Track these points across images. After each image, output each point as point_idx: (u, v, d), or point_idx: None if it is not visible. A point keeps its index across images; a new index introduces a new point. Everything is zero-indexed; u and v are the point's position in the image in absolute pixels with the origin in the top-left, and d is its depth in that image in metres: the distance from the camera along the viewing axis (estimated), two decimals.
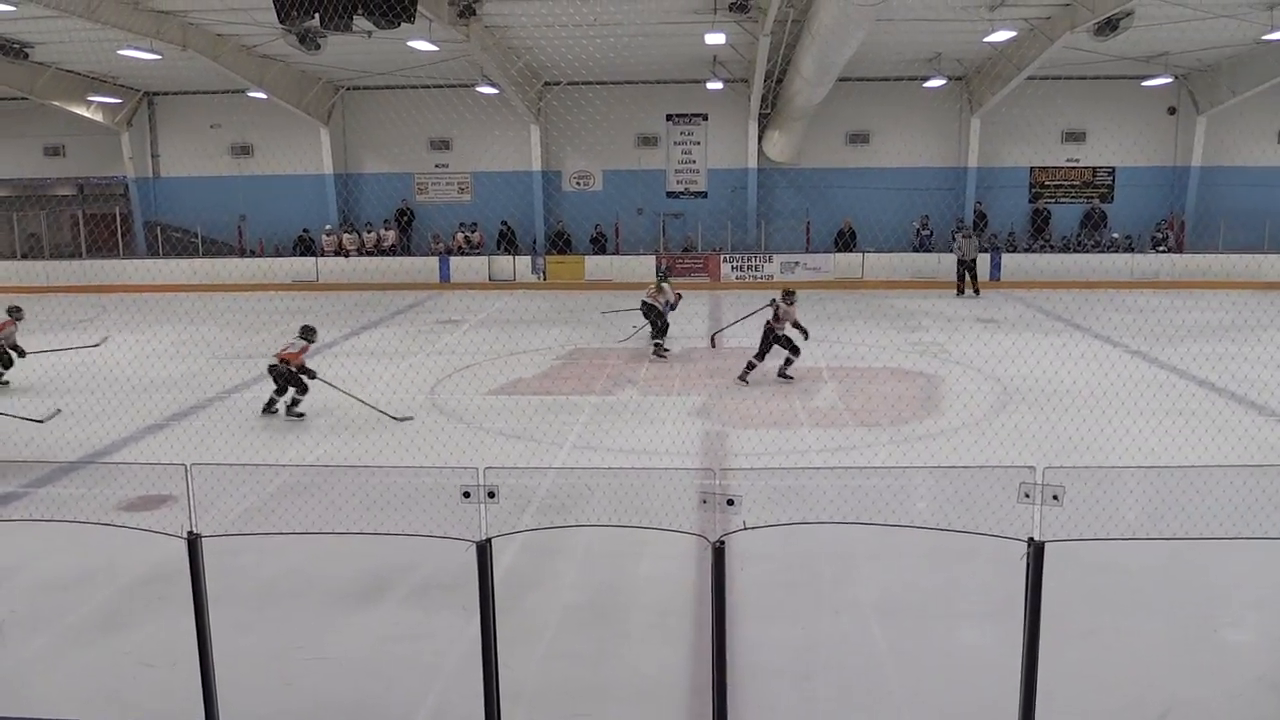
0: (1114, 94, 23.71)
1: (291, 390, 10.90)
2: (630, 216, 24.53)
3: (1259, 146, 23.85)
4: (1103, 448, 8.96)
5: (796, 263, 23.02)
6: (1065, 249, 23.56)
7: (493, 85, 21.64)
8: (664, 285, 14.07)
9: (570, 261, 23.37)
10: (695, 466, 8.30)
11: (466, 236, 24.68)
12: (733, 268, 23.20)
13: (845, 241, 23.02)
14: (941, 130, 24.16)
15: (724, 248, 24.11)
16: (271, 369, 10.98)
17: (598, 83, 21.51)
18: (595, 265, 23.39)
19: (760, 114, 23.53)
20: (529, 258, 23.52)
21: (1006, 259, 22.97)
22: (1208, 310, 16.95)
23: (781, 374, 12.22)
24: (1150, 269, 22.70)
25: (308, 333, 11.32)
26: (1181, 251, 23.28)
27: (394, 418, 10.20)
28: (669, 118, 24.68)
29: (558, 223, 24.45)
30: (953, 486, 4.99)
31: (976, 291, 21.17)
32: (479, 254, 23.91)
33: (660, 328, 13.87)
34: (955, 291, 21.32)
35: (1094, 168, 24.71)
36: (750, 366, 12.13)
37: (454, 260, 23.75)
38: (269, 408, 10.96)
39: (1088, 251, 23.39)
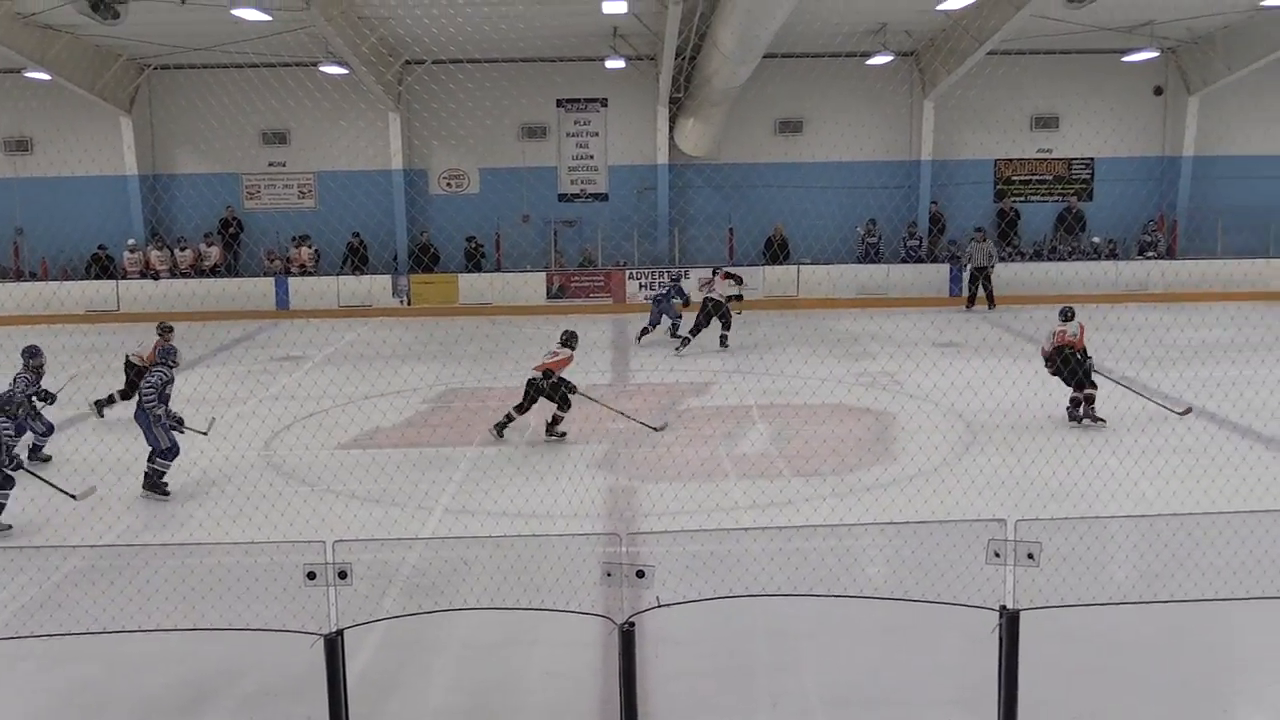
0: (1091, 72, 24.18)
1: (553, 408, 11.67)
2: (514, 225, 24.64)
3: (1260, 132, 24.44)
4: (1085, 494, 9.13)
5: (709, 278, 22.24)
6: (1037, 256, 23.96)
7: (341, 65, 21.55)
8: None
9: (440, 281, 23.43)
10: (598, 532, 8.33)
11: (311, 252, 24.54)
12: (641, 285, 23.25)
13: (776, 252, 23.24)
14: (889, 116, 24.46)
15: (629, 261, 24.27)
16: (531, 384, 11.75)
17: (471, 61, 20.93)
18: (471, 286, 23.44)
19: (671, 98, 23.79)
20: (388, 277, 23.53)
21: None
22: (1205, 327, 17.14)
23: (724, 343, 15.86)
24: (1137, 279, 23.03)
25: (570, 339, 12.19)
26: (1173, 257, 23.71)
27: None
28: (560, 103, 24.82)
29: (423, 234, 24.32)
30: (909, 546, 4.98)
31: (991, 304, 21.84)
32: (325, 274, 23.81)
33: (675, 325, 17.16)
34: (964, 304, 22.04)
35: (1069, 159, 25.14)
36: (685, 341, 15.21)
37: (293, 282, 23.66)
38: (500, 429, 11.83)
39: (1063, 259, 23.74)
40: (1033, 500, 9.00)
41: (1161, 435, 10.73)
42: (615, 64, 22.81)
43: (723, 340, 17.56)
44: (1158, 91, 24.76)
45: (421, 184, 24.77)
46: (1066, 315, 12.63)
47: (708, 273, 18.81)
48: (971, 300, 22.08)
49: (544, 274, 23.43)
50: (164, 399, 10.14)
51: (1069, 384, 12.17)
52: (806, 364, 15.23)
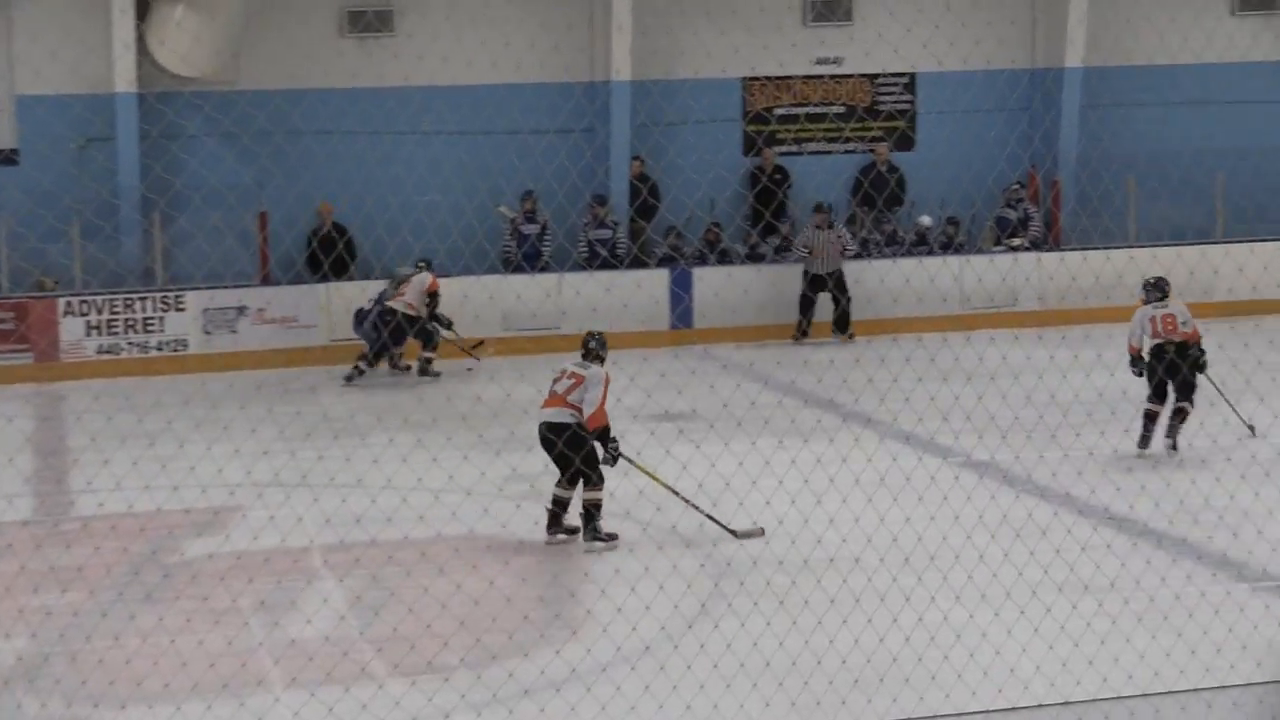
0: None
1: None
2: None
3: (1187, 28, 24.18)
4: (917, 685, 9.01)
5: (236, 309, 23.13)
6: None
7: None
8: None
9: None
10: None
11: None
12: (90, 328, 22.73)
13: (341, 258, 22.82)
14: (554, 11, 23.90)
15: (65, 280, 23.12)
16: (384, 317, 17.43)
17: None
18: None
19: None
20: None
21: (698, 276, 23.55)
22: (1107, 369, 16.34)
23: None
24: (995, 285, 23.27)
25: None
26: (1056, 245, 24.60)
27: None
28: None
29: None
30: None
31: (845, 330, 23.08)
32: None
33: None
34: (793, 335, 23.24)
35: (872, 77, 25.31)
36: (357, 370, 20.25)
37: None
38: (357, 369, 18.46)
39: (866, 256, 24.04)
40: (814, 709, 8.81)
41: (1054, 562, 10.62)
42: None
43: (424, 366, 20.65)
44: None
45: None
46: (1161, 290, 14.85)
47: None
48: (805, 327, 23.04)
49: None
50: None
51: (1162, 392, 14.41)
52: (410, 461, 13.95)
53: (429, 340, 20.78)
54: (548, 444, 12.61)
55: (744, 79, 24.72)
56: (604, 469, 13.03)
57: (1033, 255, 23.75)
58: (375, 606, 11.72)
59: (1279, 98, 25.50)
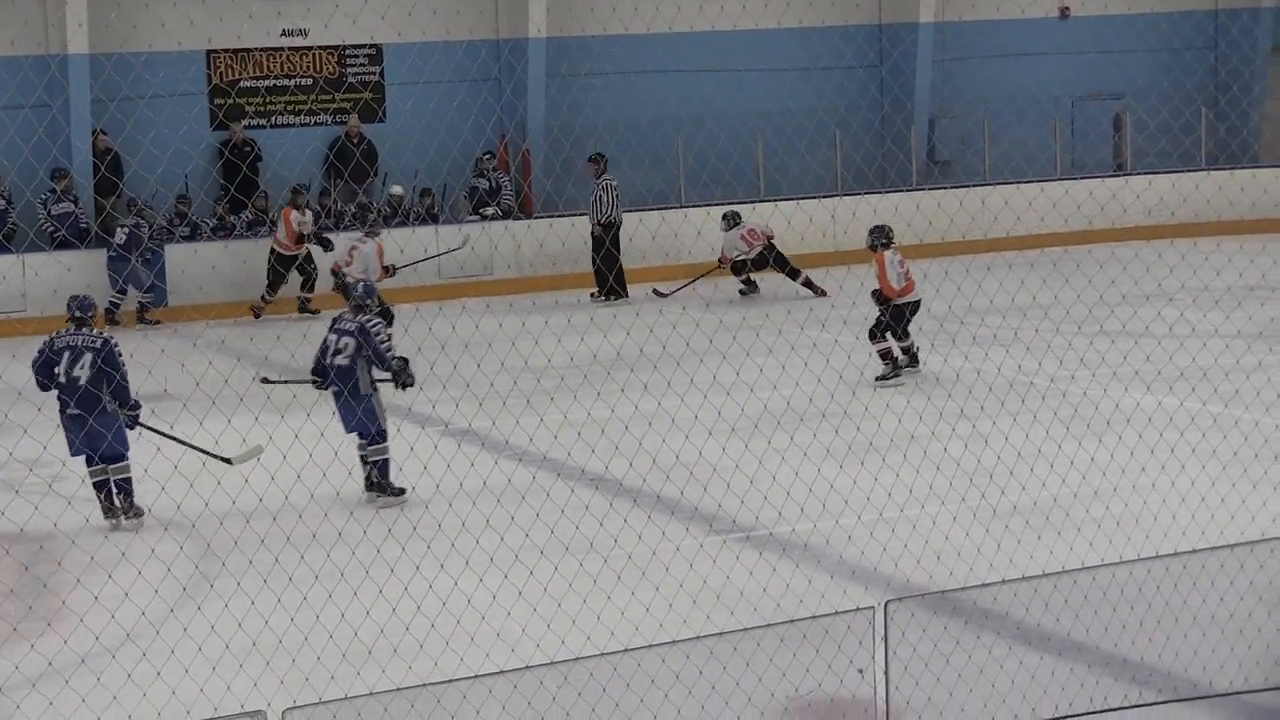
0: None
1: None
2: None
3: None
4: (406, 655, 9.02)
5: None
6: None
7: None
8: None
9: None
10: None
11: None
12: None
13: None
14: None
15: None
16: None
17: None
18: None
19: None
20: None
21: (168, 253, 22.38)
22: (577, 334, 16.01)
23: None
24: (466, 255, 23.02)
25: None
26: (528, 214, 24.43)
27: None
28: None
29: None
30: None
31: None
32: None
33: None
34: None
35: (339, 49, 25.01)
36: None
37: None
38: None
39: (337, 229, 22.91)
40: None
41: None
42: None
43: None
44: None
45: None
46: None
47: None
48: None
49: None
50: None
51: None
52: None
53: None
54: None
55: (208, 52, 24.32)
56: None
57: (503, 223, 24.05)
58: None
59: (726, 66, 26.22)
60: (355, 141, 24.67)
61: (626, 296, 21.88)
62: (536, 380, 15.21)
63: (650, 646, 7.20)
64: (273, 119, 25.38)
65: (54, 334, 12.04)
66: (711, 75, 26.20)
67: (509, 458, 13.55)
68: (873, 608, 6.82)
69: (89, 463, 12.07)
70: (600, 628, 8.90)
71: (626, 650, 7.24)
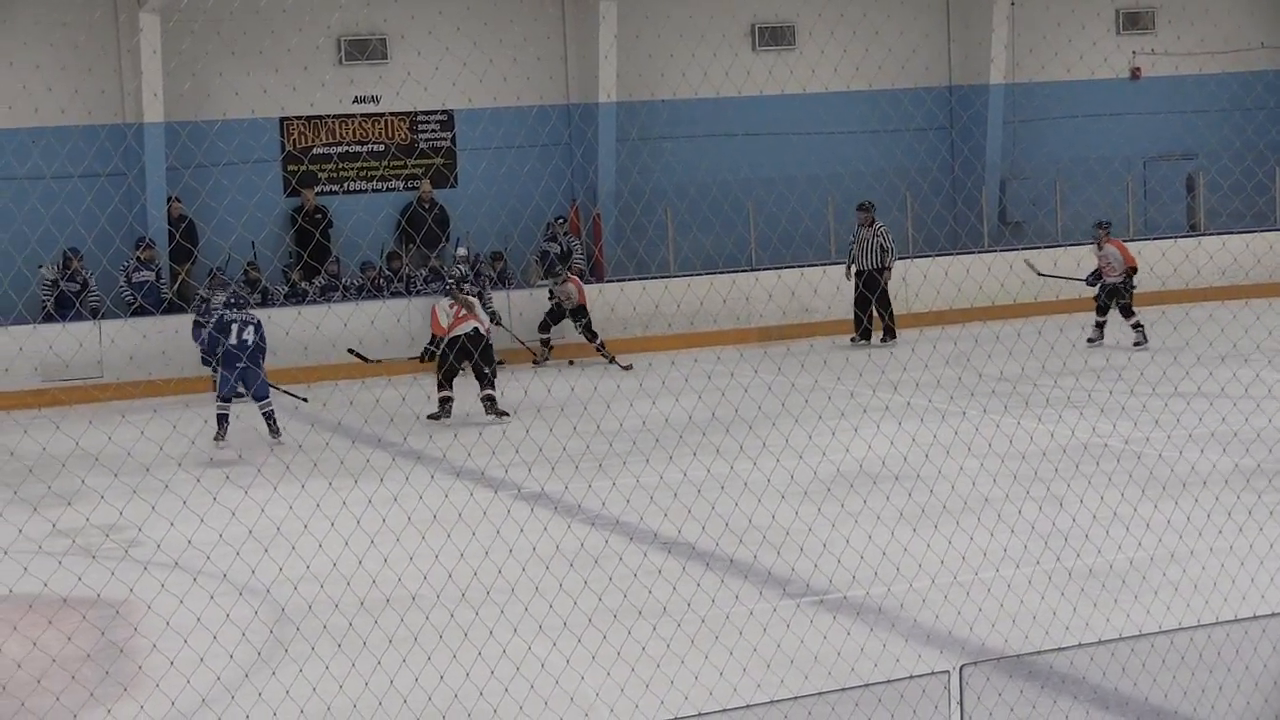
0: None
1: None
2: None
3: (707, 63, 23.41)
4: None
5: None
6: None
7: None
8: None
9: None
10: None
11: None
12: None
13: None
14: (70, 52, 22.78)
15: None
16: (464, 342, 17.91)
17: None
18: None
19: None
20: None
21: None
22: (649, 397, 15.83)
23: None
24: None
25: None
26: (599, 277, 24.47)
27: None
28: None
29: None
30: None
31: (891, 333, 23.63)
32: None
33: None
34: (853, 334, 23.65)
35: (410, 115, 25.12)
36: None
37: None
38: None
39: (416, 293, 22.76)
40: None
41: None
42: None
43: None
44: None
45: None
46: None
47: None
48: (863, 328, 23.40)
49: None
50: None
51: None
52: None
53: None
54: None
55: (281, 119, 24.38)
56: None
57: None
58: None
59: (795, 129, 26.18)
60: (427, 207, 24.69)
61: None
62: (609, 444, 15.13)
63: (724, 711, 7.14)
64: (345, 185, 25.39)
65: (218, 312, 17.72)
66: (781, 139, 26.18)
67: (582, 521, 13.39)
68: (948, 672, 6.77)
69: (228, 400, 16.79)
70: (674, 692, 8.81)
71: (700, 715, 7.18)
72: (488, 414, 17.76)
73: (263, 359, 17.24)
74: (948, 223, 25.28)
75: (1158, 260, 20.90)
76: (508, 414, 17.70)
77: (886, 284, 23.41)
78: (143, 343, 21.38)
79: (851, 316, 22.75)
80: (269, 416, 16.63)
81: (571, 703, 8.71)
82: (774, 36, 26.21)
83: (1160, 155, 28.32)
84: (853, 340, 23.34)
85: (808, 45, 25.26)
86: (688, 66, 23.98)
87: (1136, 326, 20.98)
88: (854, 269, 23.52)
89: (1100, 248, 21.73)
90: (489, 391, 17.99)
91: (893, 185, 24.18)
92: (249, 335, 16.71)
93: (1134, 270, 21.16)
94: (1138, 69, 28.27)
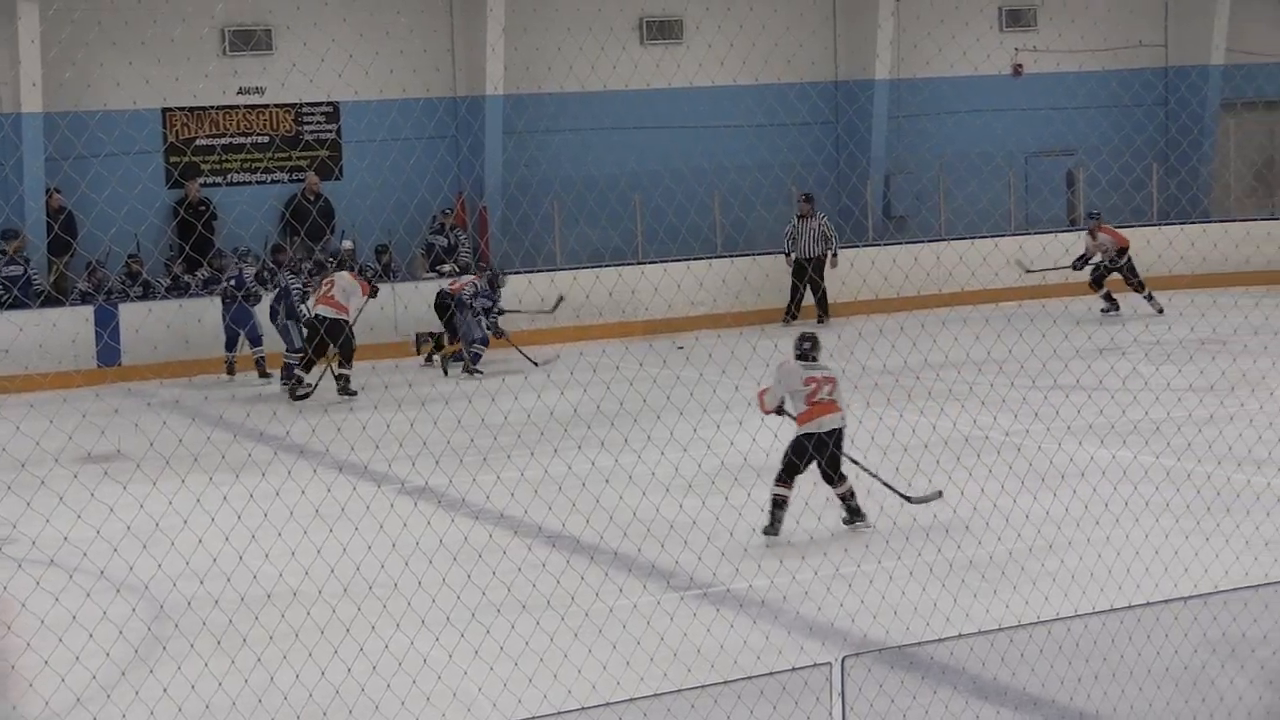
0: None
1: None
2: None
3: (595, 56, 23.89)
4: (361, 716, 9.00)
5: None
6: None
7: None
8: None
9: None
10: None
11: None
12: None
13: None
14: None
15: None
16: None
17: None
18: None
19: None
20: None
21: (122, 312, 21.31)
22: (534, 391, 16.03)
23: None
24: (427, 313, 22.53)
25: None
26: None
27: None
28: None
29: None
30: None
31: (824, 314, 24.74)
32: None
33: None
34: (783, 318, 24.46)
35: (295, 106, 24.88)
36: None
37: None
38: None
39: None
40: None
41: None
42: None
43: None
44: None
45: None
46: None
47: None
48: (795, 309, 24.80)
49: None
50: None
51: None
52: None
53: None
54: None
55: (164, 110, 24.13)
56: None
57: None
58: None
59: (682, 123, 26.26)
60: (312, 199, 24.55)
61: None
62: (493, 437, 15.16)
63: (608, 704, 7.12)
64: (229, 177, 25.17)
65: (283, 283, 20.49)
66: (668, 132, 26.28)
67: (466, 515, 13.36)
68: (830, 664, 6.80)
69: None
70: (557, 686, 8.79)
71: (584, 709, 7.17)
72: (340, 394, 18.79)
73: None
74: (833, 217, 25.49)
75: (1038, 254, 21.28)
76: (356, 393, 18.62)
77: (828, 269, 24.57)
78: (19, 335, 20.75)
79: (783, 304, 24.20)
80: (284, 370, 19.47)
81: (454, 698, 8.66)
82: (662, 30, 26.22)
83: (1041, 151, 28.69)
84: (784, 321, 24.12)
85: (695, 39, 25.22)
86: (576, 59, 24.02)
87: (1150, 298, 22.59)
88: (794, 256, 24.52)
89: (1094, 236, 22.95)
90: (345, 371, 19.02)
91: (778, 180, 24.25)
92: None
93: (1125, 249, 22.58)
94: (1020, 65, 28.59)
